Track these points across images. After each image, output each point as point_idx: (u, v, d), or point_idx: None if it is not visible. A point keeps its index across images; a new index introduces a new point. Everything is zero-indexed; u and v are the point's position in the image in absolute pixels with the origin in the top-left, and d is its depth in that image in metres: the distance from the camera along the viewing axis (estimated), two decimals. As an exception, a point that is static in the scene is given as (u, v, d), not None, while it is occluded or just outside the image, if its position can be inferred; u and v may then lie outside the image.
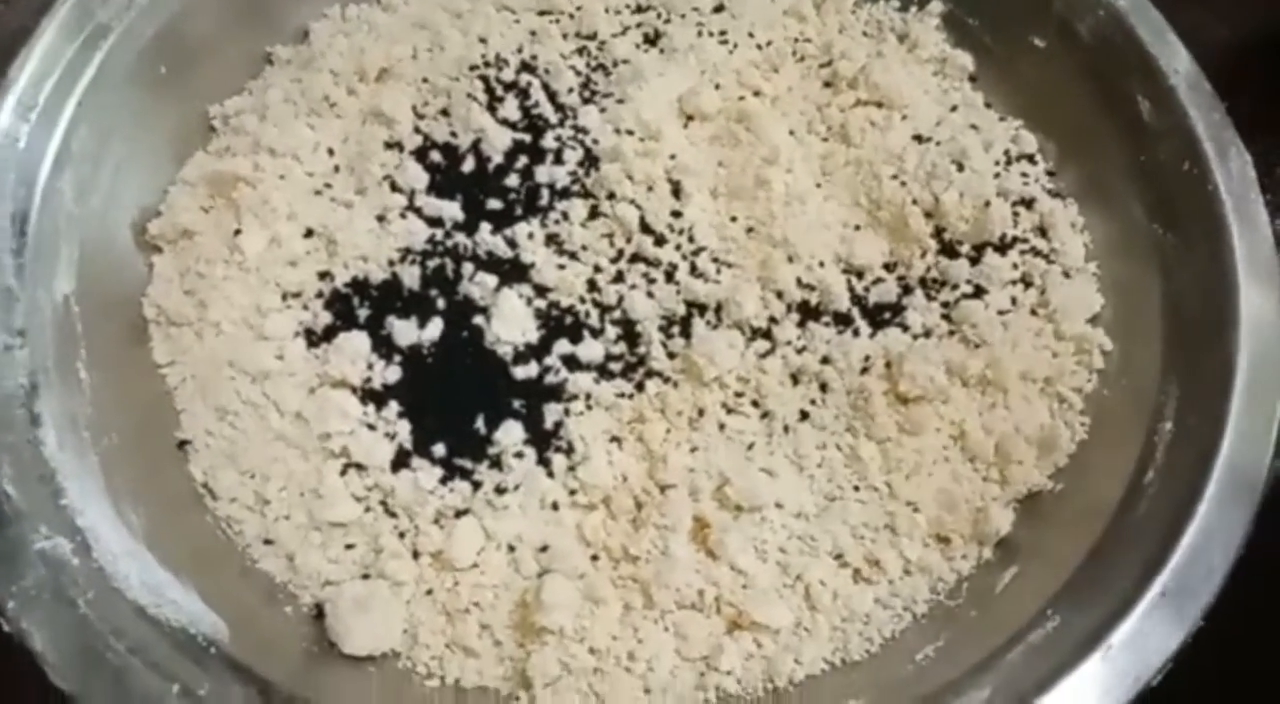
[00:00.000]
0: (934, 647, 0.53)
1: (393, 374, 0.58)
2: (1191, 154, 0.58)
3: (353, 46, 0.66)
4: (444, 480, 0.56)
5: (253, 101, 0.65)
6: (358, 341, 0.58)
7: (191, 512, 0.55)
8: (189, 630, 0.48)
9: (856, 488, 0.56)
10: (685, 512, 0.55)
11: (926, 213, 0.62)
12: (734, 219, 0.62)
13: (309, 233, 0.61)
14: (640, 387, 0.58)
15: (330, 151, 0.64)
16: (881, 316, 0.61)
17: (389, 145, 0.64)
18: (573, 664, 0.51)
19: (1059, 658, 0.48)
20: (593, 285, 0.61)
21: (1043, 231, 0.63)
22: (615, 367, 0.59)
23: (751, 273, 0.61)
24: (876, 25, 0.69)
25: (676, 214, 0.62)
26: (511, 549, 0.54)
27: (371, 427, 0.57)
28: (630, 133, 0.64)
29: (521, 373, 0.59)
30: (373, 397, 0.58)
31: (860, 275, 0.61)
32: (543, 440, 0.57)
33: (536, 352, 0.59)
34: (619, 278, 0.61)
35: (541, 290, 0.61)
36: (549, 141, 0.65)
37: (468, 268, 0.61)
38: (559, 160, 0.64)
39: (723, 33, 0.68)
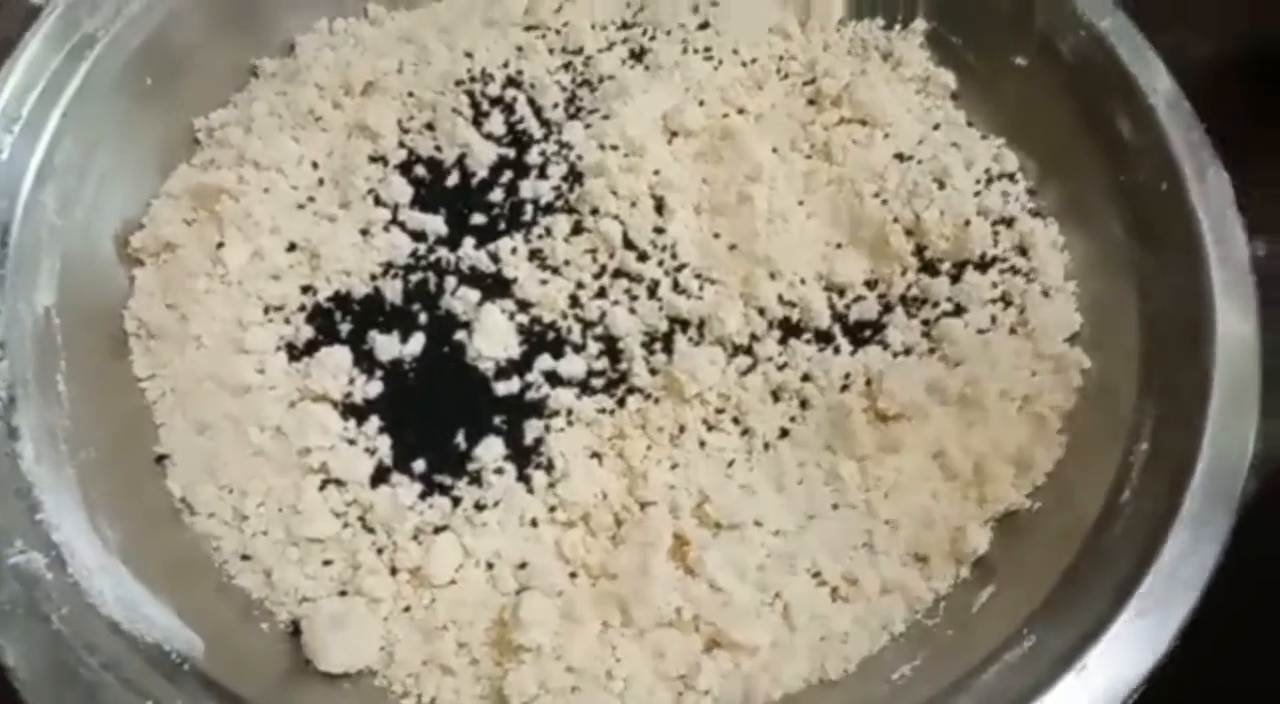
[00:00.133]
0: (911, 666, 0.53)
1: (374, 389, 0.58)
2: (1170, 174, 0.58)
3: (338, 60, 0.67)
4: (423, 496, 0.56)
5: (238, 114, 0.65)
6: (339, 356, 0.58)
7: (169, 526, 0.55)
8: (163, 647, 0.48)
9: (835, 506, 0.56)
10: (665, 529, 0.55)
11: (908, 231, 0.62)
12: (717, 236, 0.62)
13: (292, 246, 0.61)
14: (621, 403, 0.58)
15: (314, 165, 0.64)
16: (862, 334, 0.61)
17: (373, 159, 0.64)
18: (550, 682, 0.51)
19: (1035, 677, 0.48)
20: (575, 301, 0.61)
21: (1023, 250, 0.63)
22: (597, 382, 0.59)
23: (734, 289, 0.61)
24: (861, 43, 0.69)
25: (659, 230, 0.62)
26: (490, 566, 0.54)
27: (351, 442, 0.57)
28: (614, 148, 0.64)
29: (503, 388, 0.59)
30: (353, 411, 0.58)
31: (841, 293, 0.62)
32: (523, 456, 0.57)
33: (518, 367, 0.59)
34: (601, 293, 0.61)
35: (524, 305, 0.61)
36: (533, 157, 0.65)
37: (450, 282, 0.61)
38: (543, 175, 0.64)
39: (708, 50, 0.68)
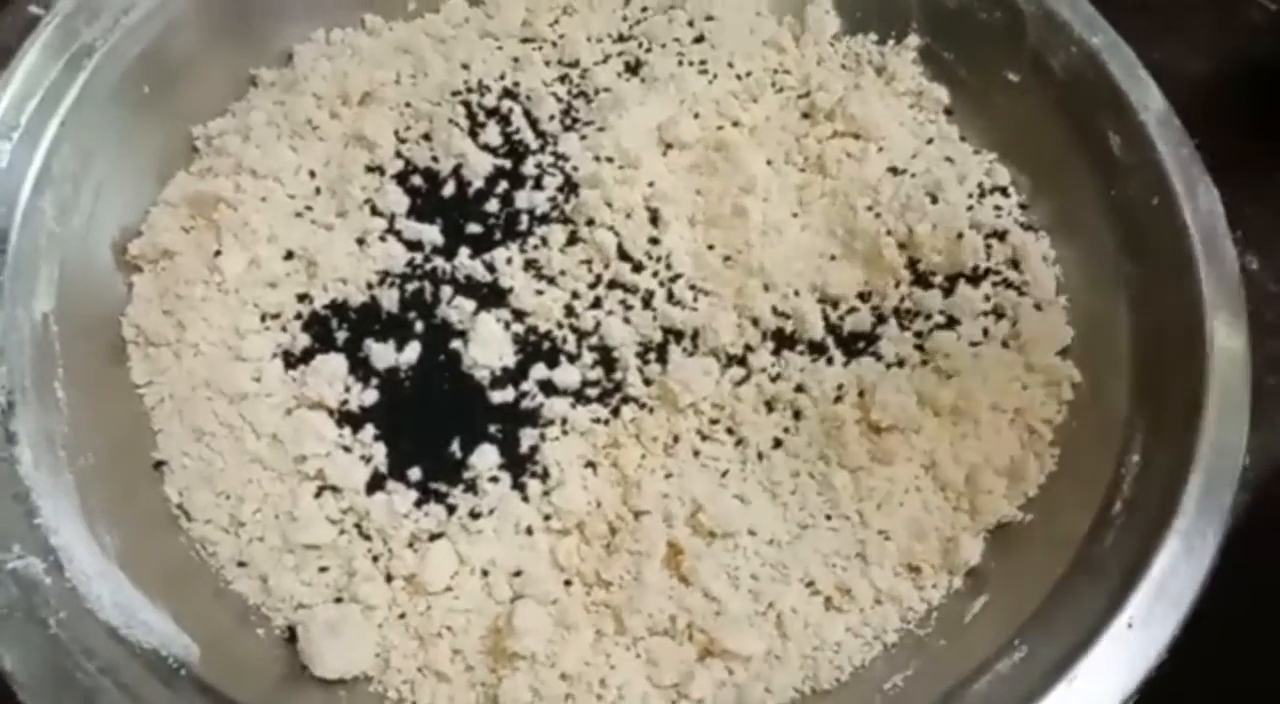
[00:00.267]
0: (903, 676, 0.53)
1: (369, 397, 0.59)
2: (1160, 189, 0.59)
3: (336, 70, 0.67)
4: (419, 504, 0.56)
5: (236, 123, 0.65)
6: (335, 364, 0.59)
7: (166, 532, 0.55)
8: (160, 652, 0.48)
9: (828, 516, 0.57)
10: (659, 538, 0.55)
11: (900, 244, 0.63)
12: (711, 247, 0.63)
13: (289, 255, 0.62)
14: (616, 412, 0.59)
15: (312, 174, 0.64)
16: (855, 346, 0.61)
17: (370, 169, 0.65)
18: (544, 690, 0.51)
19: (1026, 688, 0.49)
20: (570, 311, 0.61)
21: (1015, 264, 0.63)
22: (591, 392, 0.59)
23: (728, 301, 0.61)
24: (854, 58, 0.70)
25: (654, 241, 0.63)
26: (485, 574, 0.55)
27: (347, 449, 0.57)
28: (610, 160, 0.65)
29: (498, 397, 0.59)
30: (349, 419, 0.58)
31: (835, 304, 0.62)
32: (518, 465, 0.57)
33: (513, 376, 0.60)
34: (596, 304, 0.62)
35: (519, 315, 0.61)
36: (529, 167, 0.65)
37: (446, 292, 0.61)
38: (539, 186, 0.65)
39: (703, 63, 0.69)
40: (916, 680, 0.53)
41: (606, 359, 0.60)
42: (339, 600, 0.54)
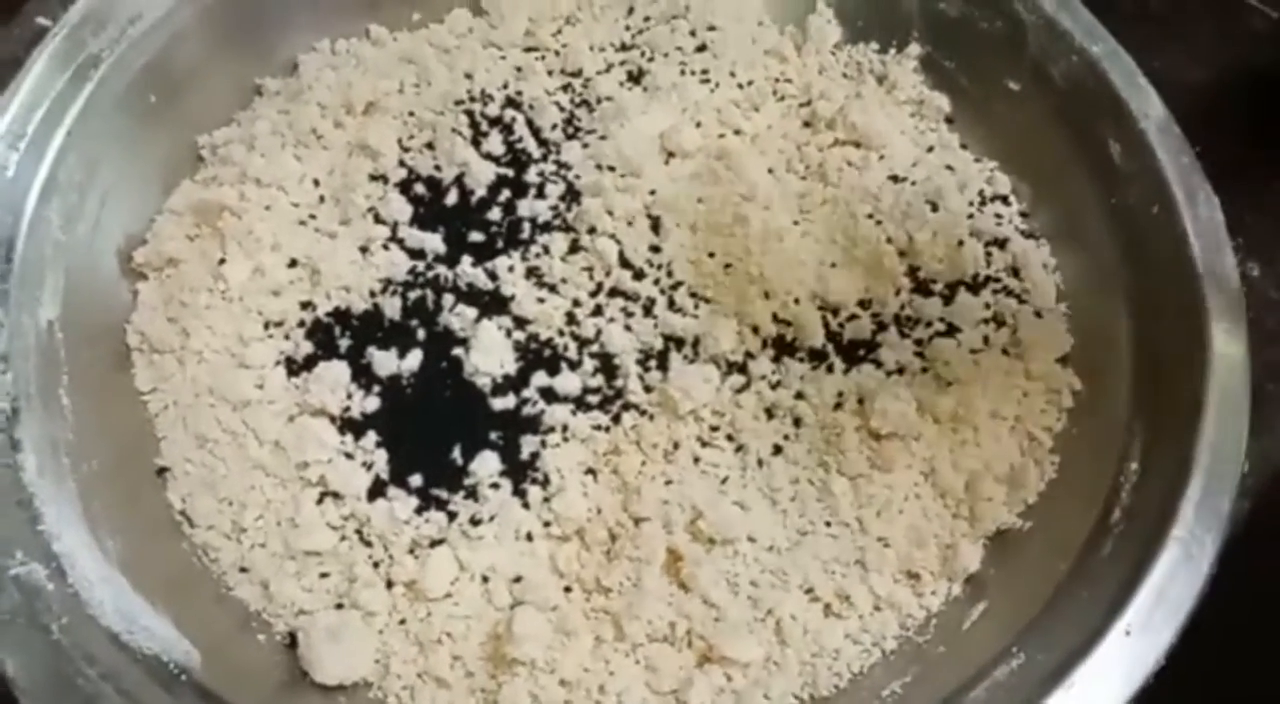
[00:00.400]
0: (901, 683, 0.53)
1: (371, 404, 0.59)
2: (1161, 197, 0.59)
3: (340, 80, 0.67)
4: (419, 510, 0.56)
5: (241, 132, 0.66)
6: (338, 371, 0.59)
7: (168, 539, 0.55)
8: (161, 658, 0.48)
9: (828, 523, 0.57)
10: (658, 544, 0.55)
11: (901, 251, 0.63)
12: (712, 255, 0.63)
13: (292, 263, 0.62)
14: (616, 419, 0.59)
15: (316, 183, 0.65)
16: (855, 353, 0.61)
17: (374, 177, 0.65)
18: (543, 696, 0.52)
19: (1024, 695, 0.49)
20: (571, 318, 0.62)
21: (1015, 272, 0.64)
22: (592, 399, 0.60)
23: (728, 308, 0.61)
24: (856, 67, 0.70)
25: (655, 249, 0.63)
26: (485, 580, 0.55)
27: (349, 456, 0.57)
28: (612, 169, 0.65)
29: (499, 404, 0.59)
30: (351, 426, 0.58)
31: (835, 312, 0.62)
32: (518, 471, 0.58)
33: (514, 383, 0.60)
34: (597, 311, 0.62)
35: (521, 322, 0.61)
36: (531, 176, 0.66)
37: (448, 299, 0.62)
38: (541, 195, 0.65)
39: (705, 72, 0.69)
40: (915, 687, 0.53)
41: (607, 366, 0.60)
42: (340, 606, 0.54)
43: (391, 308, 0.61)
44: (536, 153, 0.66)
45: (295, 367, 0.60)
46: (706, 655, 0.54)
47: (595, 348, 0.61)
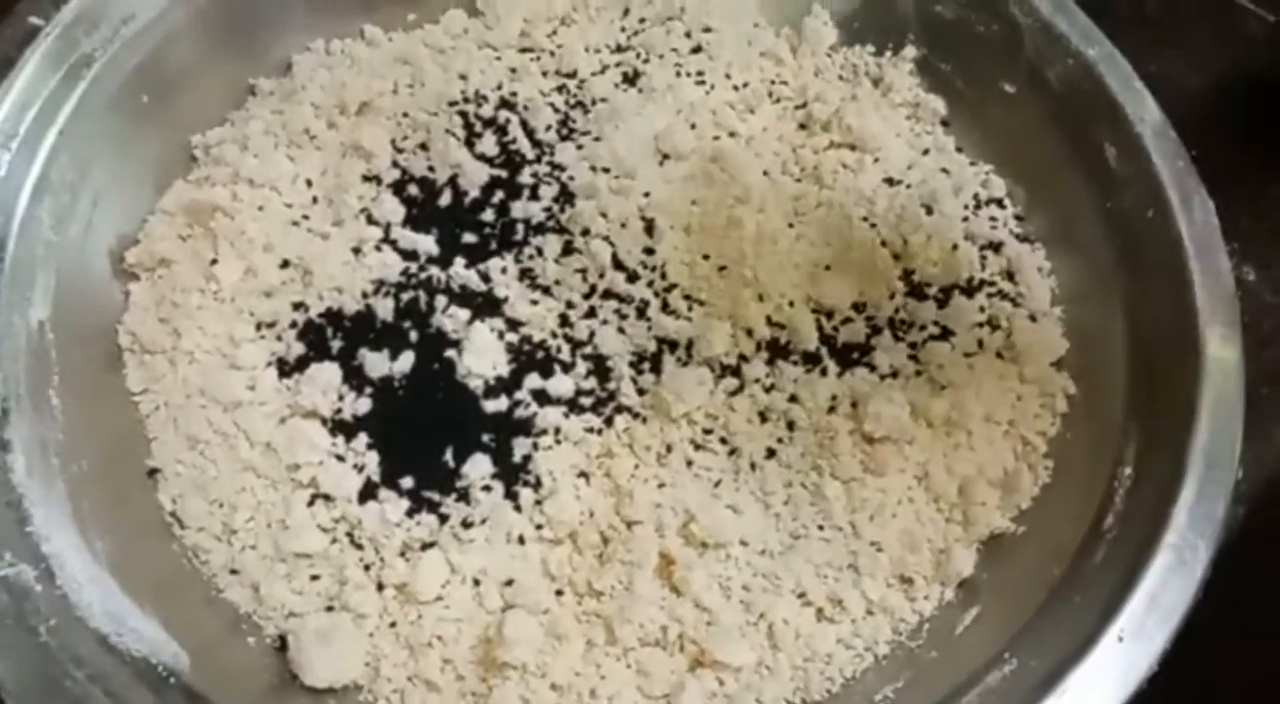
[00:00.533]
0: (893, 688, 0.53)
1: (363, 406, 0.59)
2: (1156, 201, 0.59)
3: (334, 80, 0.67)
4: (411, 513, 0.56)
5: (234, 132, 0.65)
6: (329, 372, 0.59)
7: (158, 540, 0.55)
8: (150, 660, 0.48)
9: (821, 527, 0.57)
10: (651, 548, 0.55)
11: (895, 255, 0.63)
12: (706, 257, 0.63)
13: (285, 263, 0.62)
14: (609, 422, 0.59)
15: (309, 183, 0.64)
16: (849, 356, 0.61)
17: (367, 178, 0.65)
18: (534, 700, 0.52)
19: (1017, 700, 0.49)
20: (564, 320, 0.62)
21: (1010, 275, 0.64)
22: (585, 401, 0.59)
23: (722, 311, 0.61)
24: (852, 69, 0.70)
25: (649, 251, 0.63)
26: (476, 583, 0.55)
27: (340, 458, 0.57)
28: (606, 170, 0.65)
29: (491, 406, 0.59)
30: (342, 428, 0.58)
31: (829, 315, 0.62)
32: (510, 474, 0.57)
33: (507, 385, 0.60)
34: (591, 313, 0.62)
35: (514, 324, 0.61)
36: (525, 177, 0.65)
37: (441, 301, 0.62)
38: (534, 196, 0.65)
39: (700, 73, 0.69)
40: (907, 692, 0.53)
41: (600, 369, 0.60)
42: (330, 609, 0.54)
43: (384, 309, 0.61)
44: (530, 154, 0.66)
45: (287, 368, 0.59)
46: (698, 660, 0.53)
47: (588, 350, 0.61)
